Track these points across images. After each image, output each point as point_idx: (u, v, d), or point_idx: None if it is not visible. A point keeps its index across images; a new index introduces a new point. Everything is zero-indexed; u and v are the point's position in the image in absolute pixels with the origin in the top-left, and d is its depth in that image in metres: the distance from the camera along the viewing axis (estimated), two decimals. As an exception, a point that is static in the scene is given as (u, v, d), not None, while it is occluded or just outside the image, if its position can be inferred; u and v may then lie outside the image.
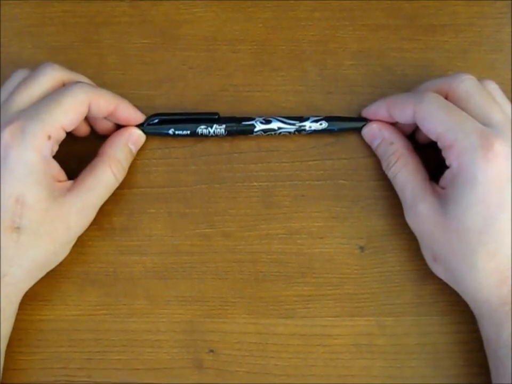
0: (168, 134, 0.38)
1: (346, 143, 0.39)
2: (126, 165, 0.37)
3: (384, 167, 0.37)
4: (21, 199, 0.33)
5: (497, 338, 0.33)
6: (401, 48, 0.40)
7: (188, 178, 0.39)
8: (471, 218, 0.32)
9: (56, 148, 0.34)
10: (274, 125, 0.38)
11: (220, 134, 0.38)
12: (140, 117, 0.38)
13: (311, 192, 0.38)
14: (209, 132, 0.38)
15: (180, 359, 0.37)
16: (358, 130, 0.38)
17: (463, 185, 0.32)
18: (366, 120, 0.38)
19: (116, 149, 0.36)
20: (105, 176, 0.36)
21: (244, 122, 0.38)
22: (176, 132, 0.38)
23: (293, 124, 0.38)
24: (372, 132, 0.38)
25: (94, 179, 0.35)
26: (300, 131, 0.38)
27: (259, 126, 0.38)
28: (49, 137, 0.33)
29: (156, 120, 0.38)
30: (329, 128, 0.38)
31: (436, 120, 0.34)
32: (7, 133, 0.33)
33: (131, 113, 0.37)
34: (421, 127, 0.35)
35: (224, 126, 0.38)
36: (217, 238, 0.38)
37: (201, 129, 0.37)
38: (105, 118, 0.37)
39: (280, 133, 0.38)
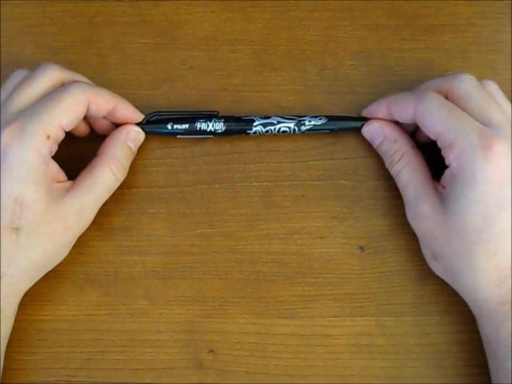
0: (166, 129, 0.37)
1: (347, 143, 0.39)
2: (126, 163, 0.37)
3: (387, 165, 0.37)
4: (20, 199, 0.33)
5: (497, 338, 0.33)
6: (401, 48, 0.40)
7: (188, 179, 0.39)
8: (471, 218, 0.32)
9: (55, 148, 0.34)
10: (274, 119, 0.38)
11: (219, 129, 0.38)
12: (138, 116, 0.37)
13: (311, 192, 0.38)
14: (207, 126, 0.37)
15: (180, 359, 0.37)
16: (358, 129, 0.38)
17: (463, 185, 0.32)
18: (366, 120, 0.38)
19: (114, 148, 0.36)
20: (104, 176, 0.35)
21: (243, 117, 0.38)
22: (175, 126, 0.37)
23: (293, 119, 0.38)
24: (374, 129, 0.38)
25: (92, 180, 0.35)
26: (299, 126, 0.38)
27: (258, 121, 0.37)
28: (48, 137, 0.33)
29: (155, 118, 0.38)
30: (329, 127, 0.38)
31: (436, 119, 0.34)
32: (6, 133, 0.33)
33: (129, 112, 0.37)
34: (421, 125, 0.35)
35: (223, 120, 0.37)
36: (217, 238, 0.38)
37: (200, 123, 0.37)
38: (104, 117, 0.37)
39: (279, 128, 0.38)
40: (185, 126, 0.37)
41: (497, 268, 0.33)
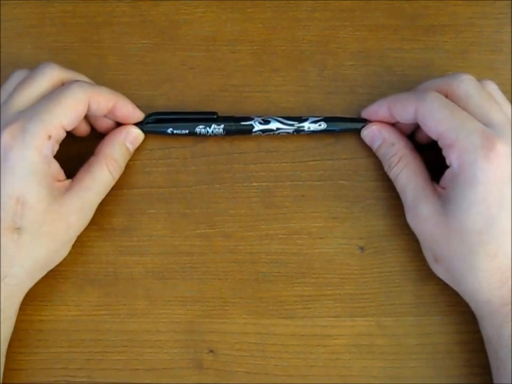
0: (166, 133, 0.38)
1: (347, 143, 0.39)
2: (122, 163, 0.37)
3: (385, 168, 0.37)
4: (22, 199, 0.33)
5: (498, 339, 0.33)
6: (401, 48, 0.40)
7: (188, 179, 0.39)
8: (472, 219, 0.32)
9: (56, 148, 0.34)
10: (273, 125, 0.38)
11: (219, 134, 0.38)
12: (138, 115, 0.37)
13: (311, 193, 0.38)
14: (207, 132, 0.37)
15: (180, 359, 0.37)
16: (358, 131, 0.38)
17: (464, 185, 0.32)
18: (365, 121, 0.38)
19: (112, 147, 0.37)
20: (102, 174, 0.36)
21: (242, 123, 0.38)
22: (175, 132, 0.38)
23: (292, 125, 0.38)
24: (372, 133, 0.38)
25: (91, 178, 0.35)
26: (298, 132, 0.38)
27: (257, 127, 0.38)
28: (50, 137, 0.33)
29: (155, 119, 0.38)
30: (329, 129, 0.38)
31: (437, 118, 0.34)
32: (7, 134, 0.33)
33: (130, 111, 0.37)
34: (422, 125, 0.35)
35: (222, 125, 0.38)
36: (217, 238, 0.38)
37: (200, 129, 0.37)
38: (104, 116, 0.37)
39: (279, 133, 0.38)
40: (185, 131, 0.38)
41: (499, 269, 0.33)
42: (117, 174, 0.37)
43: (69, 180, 0.35)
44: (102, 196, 0.36)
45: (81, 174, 0.35)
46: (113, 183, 0.37)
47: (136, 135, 0.38)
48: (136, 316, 0.37)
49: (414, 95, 0.35)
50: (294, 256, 0.38)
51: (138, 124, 0.38)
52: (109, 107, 0.36)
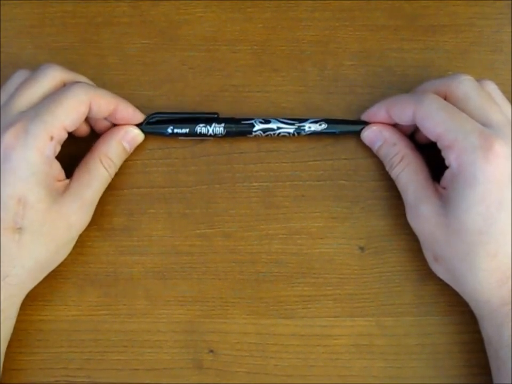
0: (167, 133, 0.38)
1: (346, 143, 0.39)
2: (117, 162, 0.37)
3: (387, 168, 0.37)
4: (23, 200, 0.33)
5: (498, 339, 0.33)
6: (401, 48, 0.40)
7: (188, 179, 0.39)
8: (472, 219, 0.32)
9: (58, 149, 0.34)
10: (274, 124, 0.38)
11: (219, 133, 0.38)
12: (139, 117, 0.37)
13: (311, 193, 0.38)
14: (208, 131, 0.37)
15: (180, 359, 0.37)
16: (358, 133, 0.38)
17: (463, 186, 0.32)
18: (365, 123, 0.38)
19: (108, 145, 0.36)
20: (99, 171, 0.36)
21: (243, 122, 0.38)
22: (175, 131, 0.38)
23: (292, 124, 0.38)
24: (373, 134, 0.38)
25: (89, 176, 0.35)
26: (299, 132, 0.38)
27: (258, 126, 0.38)
28: (52, 138, 0.33)
29: (155, 119, 0.38)
30: (329, 130, 0.38)
31: (435, 120, 0.34)
32: (9, 135, 0.33)
33: (130, 114, 0.37)
34: (420, 127, 0.35)
35: (223, 124, 0.38)
36: (217, 238, 0.38)
37: (200, 127, 0.37)
38: (105, 118, 0.37)
39: (279, 133, 0.38)
40: (186, 130, 0.38)
41: (499, 269, 0.33)
42: (112, 170, 0.37)
43: (68, 180, 0.35)
44: (100, 193, 0.36)
45: (78, 173, 0.35)
46: (109, 179, 0.37)
47: (134, 135, 0.37)
48: (136, 316, 0.37)
49: (412, 98, 0.35)
50: (294, 256, 0.38)
51: (139, 124, 0.38)
52: (110, 110, 0.36)
